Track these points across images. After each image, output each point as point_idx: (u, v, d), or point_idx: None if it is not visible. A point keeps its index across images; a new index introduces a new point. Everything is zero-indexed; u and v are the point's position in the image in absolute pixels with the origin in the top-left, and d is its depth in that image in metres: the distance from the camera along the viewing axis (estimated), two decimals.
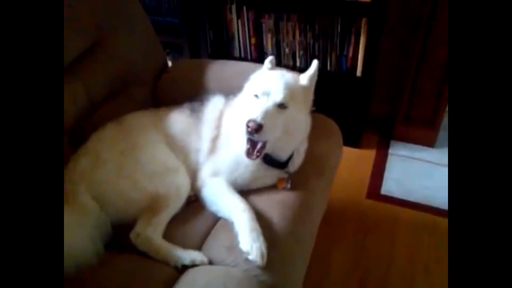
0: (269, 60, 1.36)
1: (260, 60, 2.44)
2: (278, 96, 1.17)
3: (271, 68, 1.36)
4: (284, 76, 1.24)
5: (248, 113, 1.16)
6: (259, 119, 1.12)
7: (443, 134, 2.49)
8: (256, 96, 1.20)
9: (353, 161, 2.38)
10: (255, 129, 1.12)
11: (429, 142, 2.49)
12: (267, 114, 1.14)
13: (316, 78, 1.29)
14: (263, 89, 1.19)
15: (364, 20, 2.15)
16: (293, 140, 1.30)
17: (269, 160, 1.27)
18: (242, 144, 1.24)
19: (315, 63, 1.27)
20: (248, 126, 1.12)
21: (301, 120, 1.28)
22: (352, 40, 2.23)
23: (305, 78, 1.27)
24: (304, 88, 1.26)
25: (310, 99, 1.31)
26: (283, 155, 1.30)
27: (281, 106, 1.18)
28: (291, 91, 1.20)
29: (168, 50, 2.54)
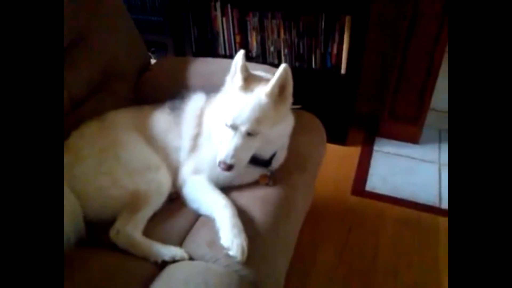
0: (237, 59, 1.21)
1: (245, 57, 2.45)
2: (244, 129, 1.15)
3: (242, 65, 1.20)
4: (251, 104, 1.15)
5: (220, 143, 1.19)
6: (228, 161, 1.14)
7: (427, 131, 2.52)
8: (226, 125, 1.17)
9: (339, 158, 2.40)
10: (227, 169, 1.15)
11: (414, 139, 2.52)
12: (236, 150, 1.15)
13: (289, 79, 1.18)
14: (231, 121, 1.15)
15: (348, 18, 2.17)
16: (275, 145, 1.31)
17: (253, 159, 1.26)
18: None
19: (281, 67, 1.15)
20: (219, 166, 1.15)
21: (279, 130, 1.25)
22: (336, 38, 2.25)
23: (268, 91, 1.16)
24: (273, 102, 1.17)
25: (287, 104, 1.23)
26: (266, 156, 1.31)
27: (250, 134, 1.16)
28: (260, 117, 1.15)
29: (153, 49, 2.53)
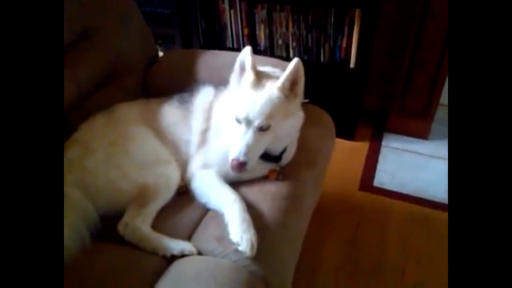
0: (245, 56, 1.21)
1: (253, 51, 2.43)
2: (258, 123, 1.14)
3: (251, 60, 1.19)
4: (263, 98, 1.15)
5: (232, 140, 1.17)
6: (241, 158, 1.12)
7: (436, 127, 2.49)
8: (237, 120, 1.16)
9: (347, 153, 2.38)
10: (239, 167, 1.13)
11: (423, 135, 2.50)
12: (248, 146, 1.13)
13: (301, 74, 1.18)
14: (242, 116, 1.14)
15: (358, 11, 2.14)
16: (285, 141, 1.30)
17: (263, 155, 1.25)
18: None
19: (293, 61, 1.15)
20: (232, 164, 1.13)
21: (289, 125, 1.25)
22: (346, 32, 2.22)
23: (279, 86, 1.16)
24: (284, 96, 1.17)
25: (298, 99, 1.23)
26: (276, 152, 1.30)
27: (263, 128, 1.15)
28: (272, 111, 1.15)
29: (160, 41, 2.52)
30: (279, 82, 1.16)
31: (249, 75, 1.19)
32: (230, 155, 1.15)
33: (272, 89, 1.16)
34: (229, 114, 1.21)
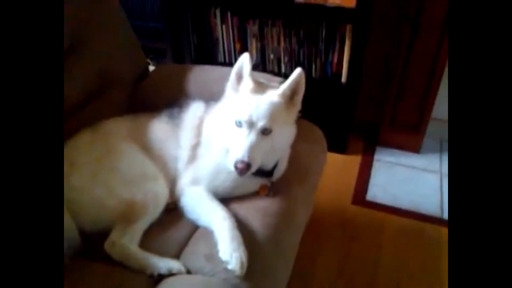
0: (243, 63, 1.22)
1: None
2: (261, 125, 1.14)
3: (249, 68, 1.22)
4: (265, 101, 1.17)
5: (232, 145, 1.17)
6: (246, 159, 1.12)
7: (428, 140, 2.50)
8: (239, 123, 1.16)
9: (339, 167, 2.37)
10: (245, 169, 1.12)
11: (415, 148, 2.50)
12: (252, 148, 1.13)
13: (302, 84, 1.21)
14: (245, 118, 1.14)
15: (348, 26, 2.16)
16: (278, 153, 1.29)
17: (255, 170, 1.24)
18: (222, 153, 1.22)
19: (296, 71, 1.19)
20: (236, 168, 1.12)
21: (286, 134, 1.26)
22: (337, 46, 2.23)
23: (280, 93, 1.19)
24: (285, 104, 1.20)
25: (296, 110, 1.26)
26: (268, 165, 1.28)
27: (265, 132, 1.16)
28: (274, 115, 1.16)
29: (151, 56, 2.52)
30: (280, 89, 1.19)
31: (248, 82, 1.21)
32: (232, 158, 1.14)
33: (273, 95, 1.19)
34: (227, 119, 1.20)
